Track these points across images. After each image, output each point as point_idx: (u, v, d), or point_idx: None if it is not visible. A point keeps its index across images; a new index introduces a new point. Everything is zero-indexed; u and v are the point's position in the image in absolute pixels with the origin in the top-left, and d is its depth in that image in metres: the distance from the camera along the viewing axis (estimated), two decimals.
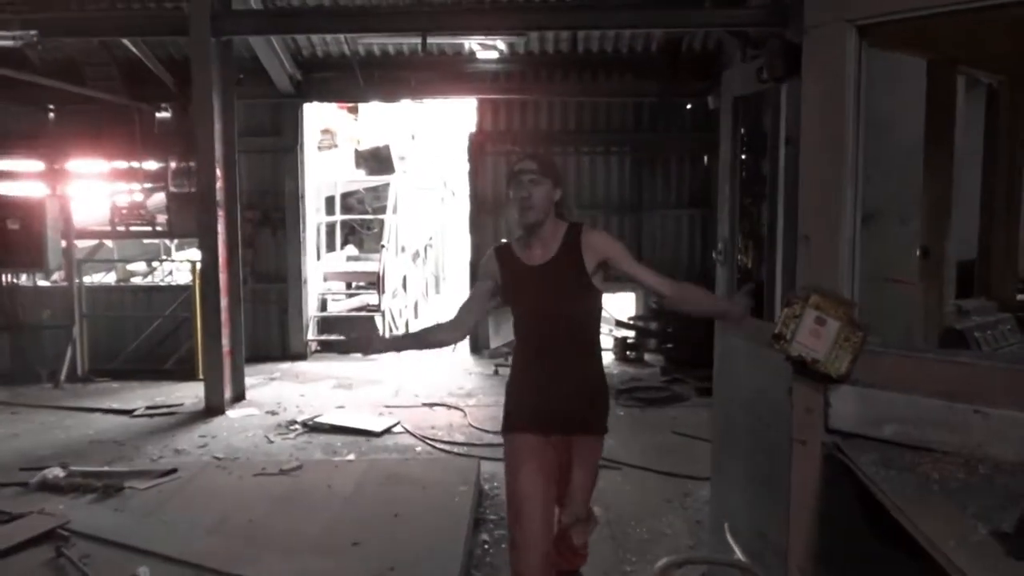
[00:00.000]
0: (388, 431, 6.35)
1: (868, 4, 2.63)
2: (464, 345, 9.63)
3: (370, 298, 10.40)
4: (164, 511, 4.38)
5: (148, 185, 9.63)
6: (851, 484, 2.49)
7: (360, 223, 12.07)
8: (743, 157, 5.30)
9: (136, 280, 10.43)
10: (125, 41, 8.09)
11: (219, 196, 7.01)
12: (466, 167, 9.97)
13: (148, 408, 7.10)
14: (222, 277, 7.01)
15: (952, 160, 3.51)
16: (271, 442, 6.12)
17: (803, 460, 2.76)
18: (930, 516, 2.02)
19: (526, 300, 2.96)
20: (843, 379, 2.61)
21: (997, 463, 2.30)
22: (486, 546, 4.24)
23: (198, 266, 7.98)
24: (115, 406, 7.22)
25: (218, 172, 7.00)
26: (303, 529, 4.06)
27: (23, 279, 8.85)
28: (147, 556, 3.77)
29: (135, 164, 9.49)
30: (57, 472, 4.84)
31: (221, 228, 7.05)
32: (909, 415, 2.52)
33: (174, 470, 5.02)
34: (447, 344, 3.23)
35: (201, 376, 7.86)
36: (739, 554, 3.35)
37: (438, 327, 3.15)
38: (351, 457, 5.73)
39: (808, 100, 2.78)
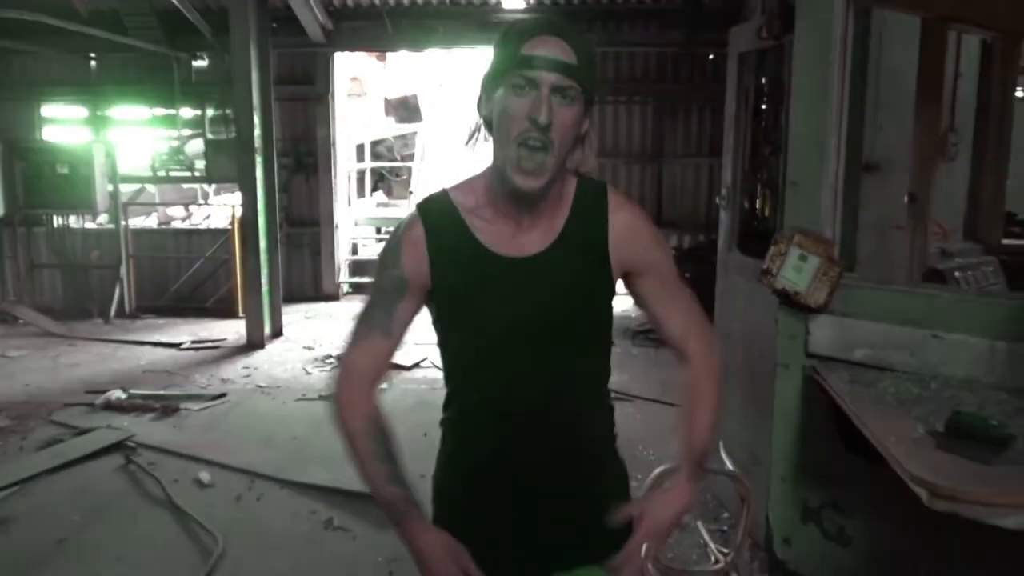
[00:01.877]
0: (417, 365, 6.80)
1: None
2: None
3: None
4: (217, 429, 4.87)
5: (186, 132, 10.02)
6: (826, 401, 2.86)
7: (389, 170, 12.42)
8: (763, 107, 5.57)
9: (176, 224, 10.88)
10: None
11: (257, 143, 7.39)
12: None
13: (193, 342, 7.61)
14: (260, 220, 7.43)
15: (940, 114, 3.78)
16: (308, 373, 6.59)
17: (785, 381, 3.12)
18: (881, 420, 2.38)
19: (491, 321, 1.46)
20: (821, 309, 2.95)
21: (947, 380, 2.64)
22: None
23: (236, 210, 8.43)
24: (163, 340, 7.74)
25: (256, 119, 7.36)
26: (341, 446, 4.52)
27: (72, 221, 9.33)
28: (205, 464, 4.25)
29: (173, 111, 9.88)
30: (119, 394, 5.36)
31: (259, 173, 7.44)
32: (877, 340, 2.86)
33: (223, 395, 5.52)
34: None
35: (241, 314, 8.39)
36: (730, 466, 3.76)
37: (367, 442, 1.52)
38: (384, 386, 6.19)
39: (798, 57, 3.09)
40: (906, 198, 4.04)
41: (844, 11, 2.94)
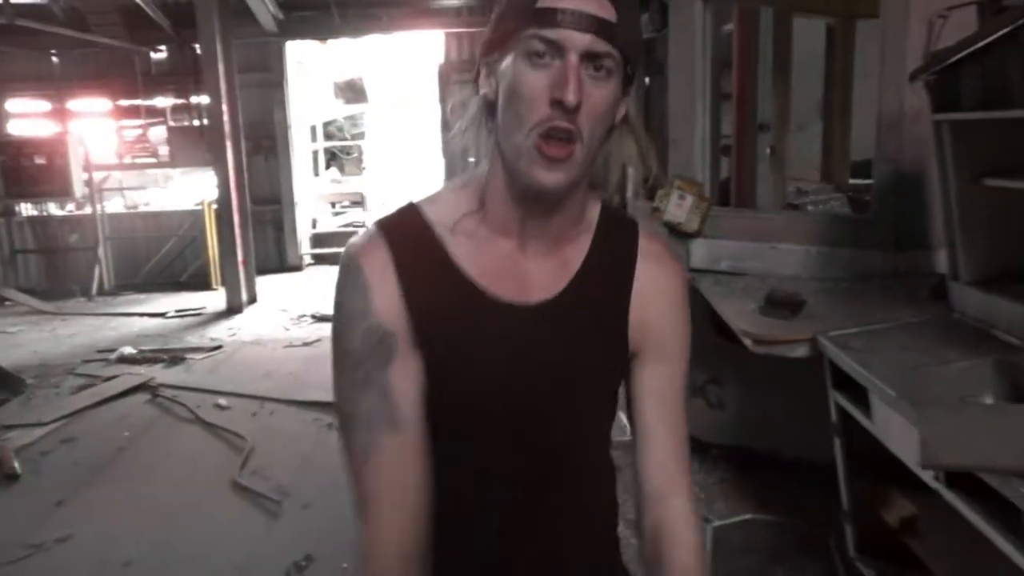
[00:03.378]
0: None
1: None
2: None
3: (356, 215, 11.69)
4: (221, 371, 5.77)
5: (149, 121, 10.70)
6: (703, 303, 3.91)
7: (340, 149, 13.23)
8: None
9: (142, 208, 11.54)
10: None
11: (226, 128, 8.19)
12: (436, 95, 11.15)
13: (177, 311, 8.42)
14: (234, 197, 8.25)
15: (789, 88, 4.89)
16: (287, 329, 7.49)
17: None
18: (729, 304, 3.44)
19: (477, 398, 1.02)
20: (696, 234, 4.01)
21: (779, 277, 3.71)
22: None
23: (205, 192, 9.22)
24: (149, 311, 8.54)
25: (224, 107, 8.16)
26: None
27: (52, 208, 10.00)
28: (220, 395, 5.16)
29: (136, 102, 10.54)
30: (130, 350, 6.21)
31: (230, 156, 8.25)
32: (734, 254, 3.94)
33: (220, 346, 6.42)
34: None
35: (215, 286, 9.25)
36: None
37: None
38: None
39: (672, 46, 4.13)
40: (768, 150, 5.17)
41: (702, 11, 3.98)
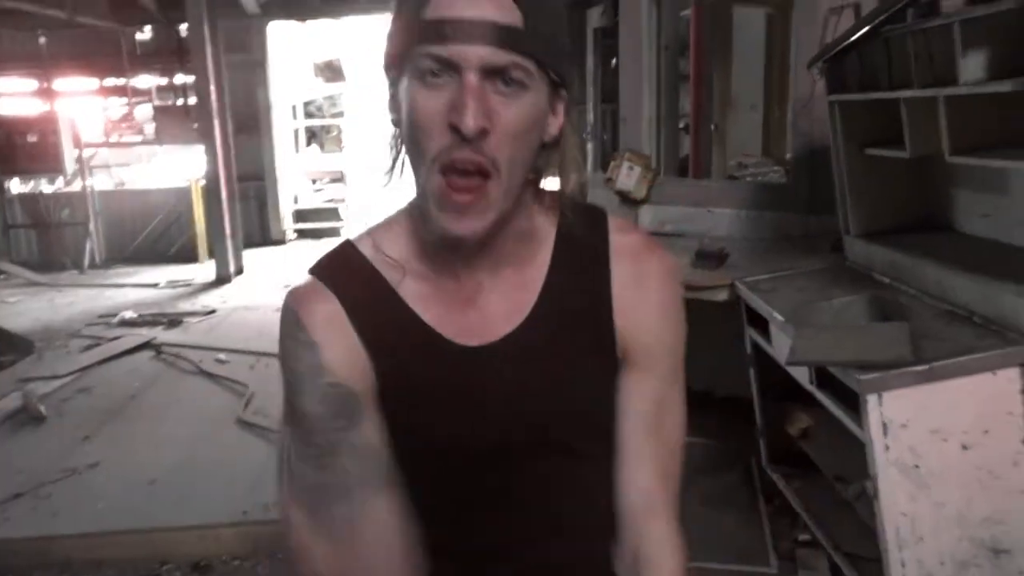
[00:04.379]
0: None
1: None
2: None
3: (336, 192, 12.16)
4: (217, 332, 6.28)
5: (135, 100, 11.06)
6: None
7: (320, 127, 13.65)
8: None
9: (128, 185, 11.93)
10: None
11: (214, 107, 8.62)
12: None
13: (169, 282, 8.89)
14: (222, 173, 8.71)
15: (730, 73, 5.47)
16: (275, 297, 7.99)
17: None
18: None
19: (439, 451, 0.91)
20: (644, 201, 4.57)
21: (714, 237, 4.28)
22: None
23: (191, 170, 9.65)
24: (141, 282, 8.99)
25: (212, 87, 8.59)
26: None
27: (43, 184, 10.39)
28: (218, 351, 5.67)
29: (121, 81, 10.90)
30: (131, 314, 6.70)
31: (217, 134, 8.69)
32: (677, 217, 4.51)
33: (214, 311, 6.92)
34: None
35: (201, 259, 9.70)
36: None
37: None
38: None
39: (623, 34, 4.68)
40: (712, 127, 5.74)
41: (648, 4, 4.52)
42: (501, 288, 0.92)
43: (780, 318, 2.85)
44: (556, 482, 0.95)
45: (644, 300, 0.95)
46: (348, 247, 0.94)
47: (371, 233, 0.95)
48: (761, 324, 3.23)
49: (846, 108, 3.20)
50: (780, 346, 3.00)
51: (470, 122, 0.76)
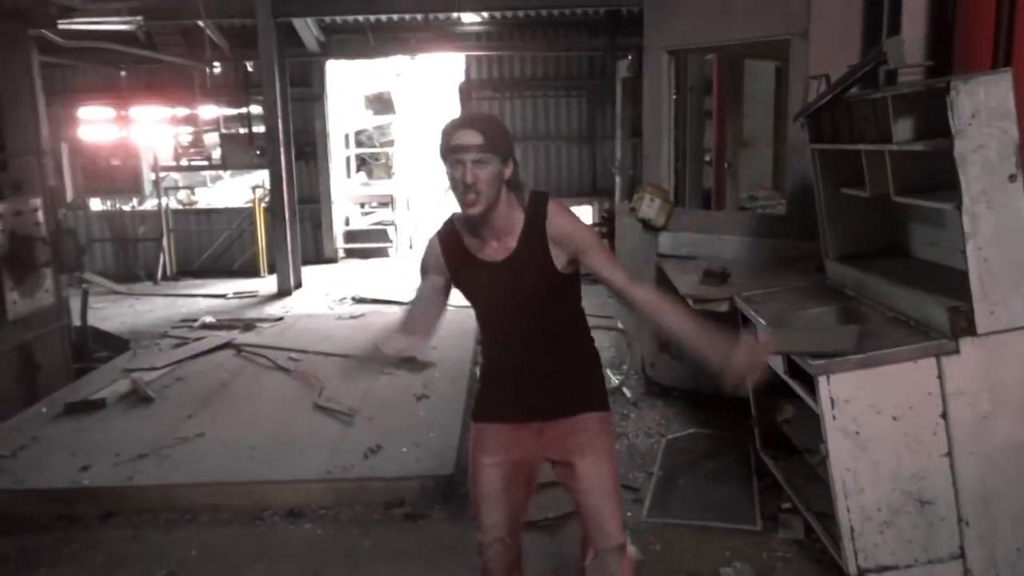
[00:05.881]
0: None
1: (673, 39, 5.28)
2: None
3: (384, 215, 13.08)
4: (287, 335, 7.12)
5: (203, 128, 12.10)
6: (666, 280, 5.19)
7: (370, 155, 14.63)
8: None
9: (194, 205, 12.99)
10: None
11: (280, 136, 9.57)
12: (457, 109, 12.51)
13: (235, 293, 9.81)
14: (285, 195, 9.63)
15: (742, 115, 6.23)
16: (331, 308, 8.85)
17: (646, 267, 5.50)
18: (680, 278, 4.75)
19: (485, 299, 2.42)
20: (663, 228, 5.33)
21: (721, 260, 5.01)
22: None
23: (256, 191, 10.61)
24: (210, 292, 9.92)
25: (279, 119, 9.54)
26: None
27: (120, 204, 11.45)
28: (291, 351, 6.50)
29: (192, 111, 11.95)
30: (210, 319, 7.58)
31: (282, 160, 9.63)
32: (691, 243, 5.26)
33: (281, 318, 7.77)
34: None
35: (262, 273, 10.64)
36: (621, 326, 6.16)
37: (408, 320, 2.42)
38: (394, 309, 8.52)
39: (646, 85, 5.46)
40: (726, 165, 6.50)
41: (667, 60, 5.31)
42: (497, 244, 2.34)
43: (763, 322, 3.59)
44: (535, 319, 2.37)
45: (568, 235, 2.31)
46: (449, 219, 2.46)
47: (454, 221, 2.43)
48: (754, 330, 3.94)
49: (824, 154, 3.95)
50: None
51: (468, 179, 2.18)
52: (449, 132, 2.21)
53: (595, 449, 2.42)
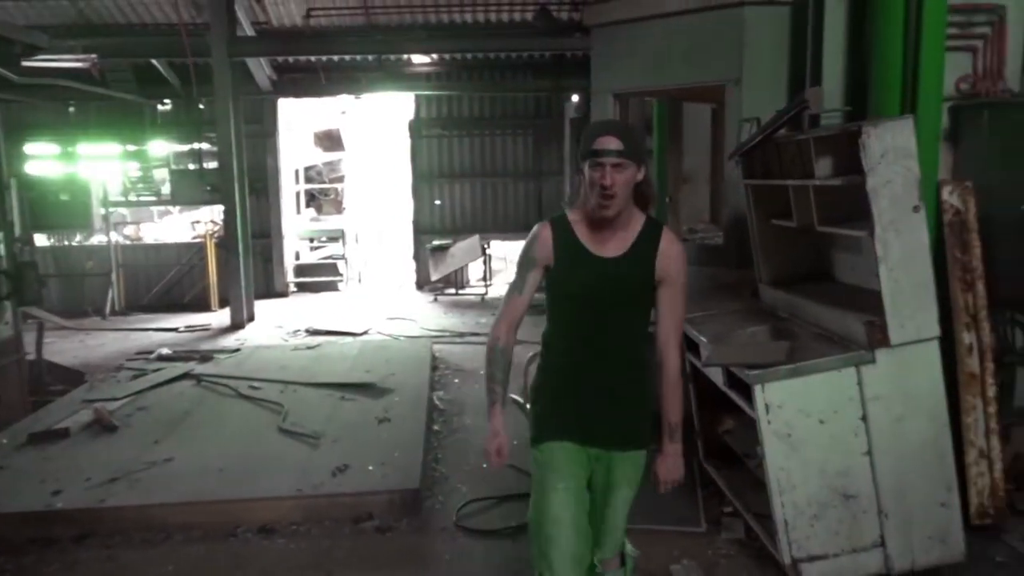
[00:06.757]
0: (366, 332, 9.30)
1: (619, 83, 5.70)
2: (411, 280, 12.67)
3: (334, 249, 13.26)
4: (245, 365, 7.24)
5: (153, 164, 12.16)
6: None
7: (319, 191, 14.82)
8: None
9: (141, 240, 12.97)
10: None
11: (235, 172, 9.74)
12: (407, 146, 12.85)
13: (187, 326, 9.86)
14: (239, 229, 9.77)
15: (681, 153, 6.70)
16: (286, 340, 8.99)
17: None
18: None
19: (584, 291, 2.49)
20: None
21: None
22: (437, 377, 7.29)
23: (203, 226, 10.71)
24: (162, 326, 9.95)
25: (233, 155, 9.71)
26: (336, 368, 7.02)
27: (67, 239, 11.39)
28: (251, 380, 6.64)
29: (141, 147, 12.00)
30: (167, 350, 7.65)
31: (236, 194, 9.78)
32: None
33: (238, 349, 7.89)
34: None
35: (214, 307, 10.71)
36: None
37: (500, 359, 2.57)
38: (348, 340, 8.70)
39: None
40: (667, 200, 6.94)
41: (612, 102, 5.72)
42: (614, 240, 2.48)
43: (704, 340, 3.95)
44: (619, 321, 2.52)
45: (671, 261, 2.49)
46: (562, 213, 2.57)
47: (571, 210, 2.56)
48: (696, 350, 4.30)
49: (756, 189, 4.37)
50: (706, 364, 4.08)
51: (608, 181, 2.35)
52: (592, 136, 2.39)
53: (632, 483, 2.67)
